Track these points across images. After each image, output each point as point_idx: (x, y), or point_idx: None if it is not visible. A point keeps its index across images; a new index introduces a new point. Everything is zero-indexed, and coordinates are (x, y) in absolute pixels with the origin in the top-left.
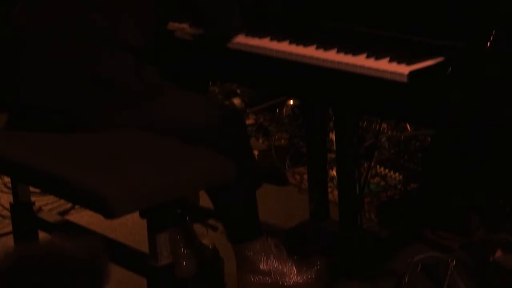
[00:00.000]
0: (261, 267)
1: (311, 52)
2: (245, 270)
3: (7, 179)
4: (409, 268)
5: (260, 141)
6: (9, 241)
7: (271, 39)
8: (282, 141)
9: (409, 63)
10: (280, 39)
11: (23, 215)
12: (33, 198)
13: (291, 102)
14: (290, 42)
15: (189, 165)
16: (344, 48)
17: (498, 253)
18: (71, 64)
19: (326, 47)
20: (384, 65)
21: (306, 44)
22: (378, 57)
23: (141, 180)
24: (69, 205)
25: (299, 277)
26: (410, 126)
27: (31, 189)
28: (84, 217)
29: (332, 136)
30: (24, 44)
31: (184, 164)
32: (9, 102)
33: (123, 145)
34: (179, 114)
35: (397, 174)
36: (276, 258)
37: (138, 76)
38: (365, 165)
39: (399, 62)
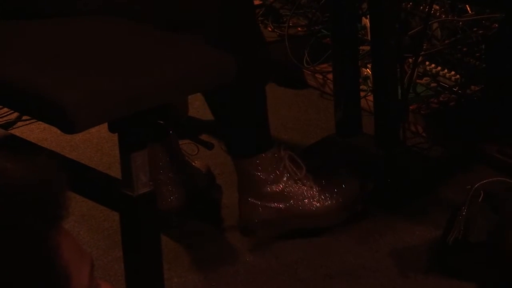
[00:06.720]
0: (270, 189)
1: None
2: (249, 193)
3: None
4: (468, 197)
5: (270, 28)
6: None
7: None
8: (299, 28)
9: None
10: None
11: None
12: None
13: None
14: None
15: (174, 61)
16: None
17: None
18: None
19: None
20: None
21: None
22: None
23: (110, 82)
24: (15, 115)
25: (319, 204)
26: (470, 7)
27: None
28: (34, 131)
29: (366, 21)
30: None
31: (168, 59)
32: None
33: (88, 37)
34: None
35: (452, 72)
36: (290, 177)
37: None
38: (410, 60)
39: None
